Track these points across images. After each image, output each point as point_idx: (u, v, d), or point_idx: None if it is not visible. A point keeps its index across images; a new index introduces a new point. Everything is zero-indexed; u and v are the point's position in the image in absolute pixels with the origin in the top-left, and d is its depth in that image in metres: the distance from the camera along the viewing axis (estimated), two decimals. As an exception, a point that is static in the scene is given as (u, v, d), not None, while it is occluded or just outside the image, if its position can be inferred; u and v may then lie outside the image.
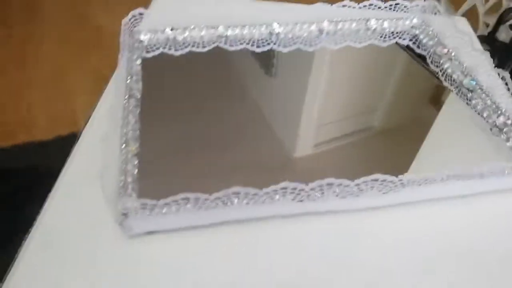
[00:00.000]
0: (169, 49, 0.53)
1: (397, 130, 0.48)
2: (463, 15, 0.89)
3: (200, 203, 0.31)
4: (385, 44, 0.58)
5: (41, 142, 1.03)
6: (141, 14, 0.50)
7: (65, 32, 1.46)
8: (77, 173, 0.36)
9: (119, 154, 0.36)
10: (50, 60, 1.34)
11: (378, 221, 0.36)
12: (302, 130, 0.48)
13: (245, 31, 0.54)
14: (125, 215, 0.31)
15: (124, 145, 0.37)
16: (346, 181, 0.33)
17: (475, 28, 0.87)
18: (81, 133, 0.41)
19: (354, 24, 0.56)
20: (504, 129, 0.43)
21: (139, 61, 0.48)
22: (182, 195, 0.30)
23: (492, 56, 0.86)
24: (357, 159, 0.43)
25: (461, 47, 0.50)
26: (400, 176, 0.34)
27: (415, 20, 0.57)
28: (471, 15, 0.88)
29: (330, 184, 0.33)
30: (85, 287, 0.30)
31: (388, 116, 0.52)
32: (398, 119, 0.51)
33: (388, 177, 0.34)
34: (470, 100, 0.47)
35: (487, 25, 0.84)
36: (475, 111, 0.47)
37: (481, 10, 0.85)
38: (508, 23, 0.80)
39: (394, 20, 0.57)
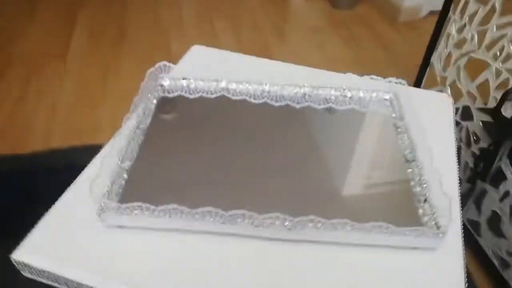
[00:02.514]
0: (185, 92, 0.69)
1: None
2: (478, 86, 0.94)
3: (151, 210, 0.45)
4: (364, 110, 0.68)
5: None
6: (164, 65, 0.67)
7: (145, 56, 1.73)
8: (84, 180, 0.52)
9: (114, 168, 0.52)
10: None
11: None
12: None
13: (242, 86, 0.68)
14: (101, 210, 0.46)
15: (120, 162, 0.53)
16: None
17: (486, 101, 0.92)
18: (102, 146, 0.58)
19: (332, 91, 0.67)
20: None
21: (154, 101, 0.64)
22: (137, 203, 0.45)
23: (494, 128, 0.91)
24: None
25: (413, 123, 0.59)
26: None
27: (388, 94, 0.66)
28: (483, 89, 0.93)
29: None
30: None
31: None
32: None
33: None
34: (409, 168, 0.56)
35: (497, 99, 0.88)
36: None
37: (492, 85, 0.89)
38: (514, 100, 0.84)
39: (370, 91, 0.67)
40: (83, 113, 1.44)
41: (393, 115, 0.64)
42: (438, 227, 0.47)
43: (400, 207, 0.53)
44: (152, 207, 0.45)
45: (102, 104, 1.48)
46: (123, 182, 0.52)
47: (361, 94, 0.67)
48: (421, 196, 0.51)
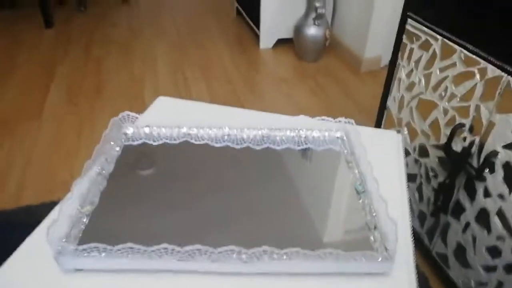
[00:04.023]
0: (149, 140, 0.71)
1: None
2: (430, 125, 1.00)
3: (108, 251, 0.46)
4: (319, 149, 0.72)
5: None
6: (128, 115, 0.70)
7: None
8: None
9: (74, 213, 0.53)
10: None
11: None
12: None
13: (203, 131, 0.71)
14: (58, 253, 0.46)
15: (80, 206, 0.54)
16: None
17: (438, 137, 0.98)
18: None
19: (288, 132, 0.71)
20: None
21: (117, 149, 0.67)
22: (94, 244, 0.46)
23: (447, 162, 0.96)
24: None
25: (362, 158, 0.63)
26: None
27: (339, 133, 0.71)
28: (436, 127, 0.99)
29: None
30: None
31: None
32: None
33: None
34: (360, 201, 0.59)
35: (447, 136, 0.94)
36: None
37: (441, 122, 0.96)
38: (462, 135, 0.90)
39: (322, 131, 0.71)
40: (56, 169, 1.44)
41: (345, 151, 0.68)
42: (386, 251, 0.49)
43: (353, 236, 0.55)
44: (109, 247, 0.46)
45: (75, 159, 1.48)
46: (82, 226, 0.52)
47: (315, 134, 0.71)
48: (371, 224, 0.54)
